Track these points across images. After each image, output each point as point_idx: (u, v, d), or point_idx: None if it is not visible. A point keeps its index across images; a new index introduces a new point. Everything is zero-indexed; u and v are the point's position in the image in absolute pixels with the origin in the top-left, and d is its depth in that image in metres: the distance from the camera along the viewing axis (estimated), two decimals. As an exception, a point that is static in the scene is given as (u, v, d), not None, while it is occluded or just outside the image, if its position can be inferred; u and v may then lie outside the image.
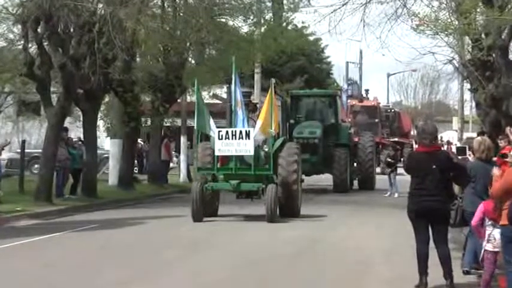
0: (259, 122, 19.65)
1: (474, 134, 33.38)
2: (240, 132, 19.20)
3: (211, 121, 19.94)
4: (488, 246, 9.94)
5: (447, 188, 10.46)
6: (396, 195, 27.99)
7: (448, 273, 10.40)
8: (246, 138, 19.07)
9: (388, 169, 28.68)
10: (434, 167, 10.36)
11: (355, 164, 31.97)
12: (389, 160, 28.84)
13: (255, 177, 19.53)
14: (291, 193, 19.70)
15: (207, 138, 21.34)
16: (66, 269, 12.40)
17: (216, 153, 19.51)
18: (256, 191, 19.50)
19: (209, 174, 20.05)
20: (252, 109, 21.27)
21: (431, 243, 10.55)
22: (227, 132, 19.32)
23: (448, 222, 10.60)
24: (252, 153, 19.24)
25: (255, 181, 19.47)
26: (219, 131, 19.42)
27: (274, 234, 16.79)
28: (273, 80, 20.42)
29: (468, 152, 11.06)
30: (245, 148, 19.17)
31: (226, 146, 19.21)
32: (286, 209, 19.77)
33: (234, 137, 19.13)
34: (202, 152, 20.48)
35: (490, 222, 9.90)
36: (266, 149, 20.00)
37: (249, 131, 19.25)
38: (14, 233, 16.65)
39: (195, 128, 20.02)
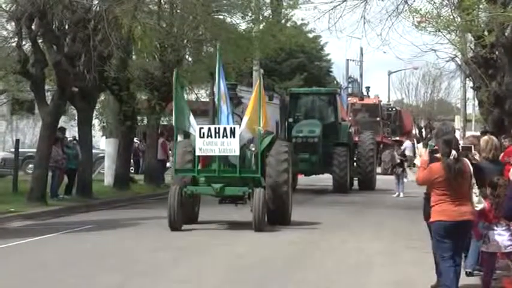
0: (245, 119, 18.04)
1: (477, 133, 33.06)
2: (224, 129, 17.21)
3: (192, 117, 17.96)
4: (483, 247, 10.07)
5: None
6: (402, 195, 27.71)
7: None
8: (230, 137, 17.08)
9: (400, 168, 28.24)
10: None
11: (355, 164, 31.67)
12: (402, 158, 28.49)
13: (241, 180, 17.64)
14: (281, 196, 17.87)
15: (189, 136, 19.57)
16: (59, 271, 12.20)
17: (197, 153, 17.46)
18: (242, 195, 17.72)
19: (189, 177, 18.07)
20: (236, 103, 20.13)
21: None
22: (209, 129, 17.33)
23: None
24: (237, 153, 17.28)
25: (240, 184, 17.59)
26: (200, 128, 17.37)
27: (266, 239, 16.13)
28: (261, 71, 19.27)
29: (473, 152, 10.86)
30: (229, 147, 17.17)
31: (208, 145, 17.20)
32: (276, 215, 17.95)
33: (217, 135, 17.14)
34: (182, 152, 18.30)
35: (485, 224, 10.02)
36: (253, 149, 17.99)
37: (234, 129, 17.32)
38: (6, 235, 16.37)
39: (173, 125, 18.26)
